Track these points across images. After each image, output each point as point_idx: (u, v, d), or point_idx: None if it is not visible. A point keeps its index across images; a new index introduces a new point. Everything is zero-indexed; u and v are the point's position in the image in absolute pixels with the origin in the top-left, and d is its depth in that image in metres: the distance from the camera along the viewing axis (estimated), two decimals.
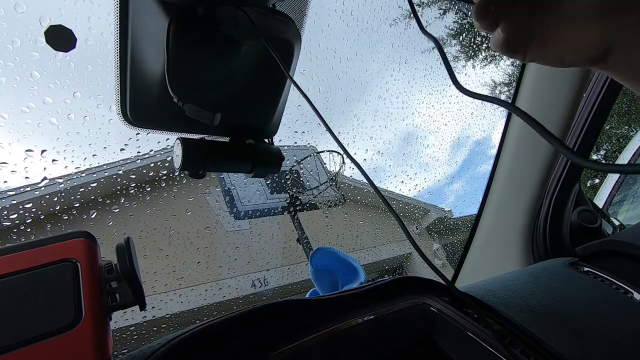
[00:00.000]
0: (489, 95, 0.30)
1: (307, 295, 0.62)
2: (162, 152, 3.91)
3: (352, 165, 0.41)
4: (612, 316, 0.46)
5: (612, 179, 1.57)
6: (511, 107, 0.27)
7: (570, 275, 0.57)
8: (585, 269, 0.58)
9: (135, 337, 3.27)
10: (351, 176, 4.96)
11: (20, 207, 3.00)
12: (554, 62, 0.29)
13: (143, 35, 0.38)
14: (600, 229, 0.79)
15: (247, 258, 4.53)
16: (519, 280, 0.53)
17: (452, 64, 0.37)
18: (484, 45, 5.32)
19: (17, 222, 3.02)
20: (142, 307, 0.32)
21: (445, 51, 0.38)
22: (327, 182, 3.91)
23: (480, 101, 0.33)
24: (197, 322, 0.34)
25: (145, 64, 0.39)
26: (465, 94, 0.33)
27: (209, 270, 4.23)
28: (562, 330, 0.41)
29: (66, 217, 3.33)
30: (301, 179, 4.08)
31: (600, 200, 1.55)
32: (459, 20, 5.17)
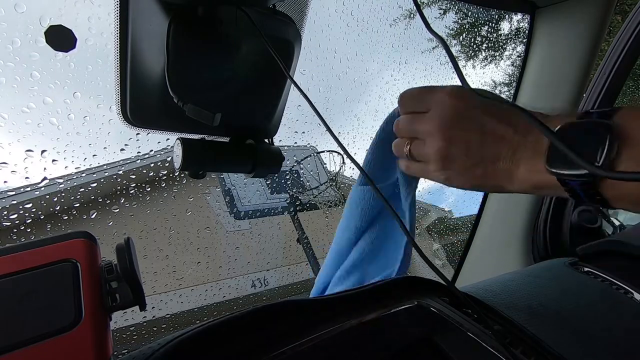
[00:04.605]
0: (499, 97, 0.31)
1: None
2: (162, 152, 3.90)
3: (352, 165, 0.41)
4: (613, 316, 0.46)
5: None
6: (526, 112, 0.27)
7: (570, 276, 0.56)
8: (586, 269, 0.58)
9: (135, 337, 3.27)
10: (351, 176, 4.96)
11: (20, 207, 3.00)
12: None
13: (143, 36, 0.38)
14: (601, 229, 0.79)
15: (247, 258, 4.52)
16: (519, 280, 0.53)
17: None
18: (484, 45, 5.32)
19: (17, 222, 3.01)
20: (142, 307, 0.32)
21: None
22: (327, 182, 3.91)
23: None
24: (197, 322, 0.34)
25: (145, 64, 0.39)
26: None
27: (209, 270, 4.23)
28: (562, 330, 0.41)
29: (66, 217, 3.33)
30: (301, 179, 4.08)
31: None
32: (459, 20, 5.17)
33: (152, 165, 3.88)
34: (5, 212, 2.91)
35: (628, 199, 0.25)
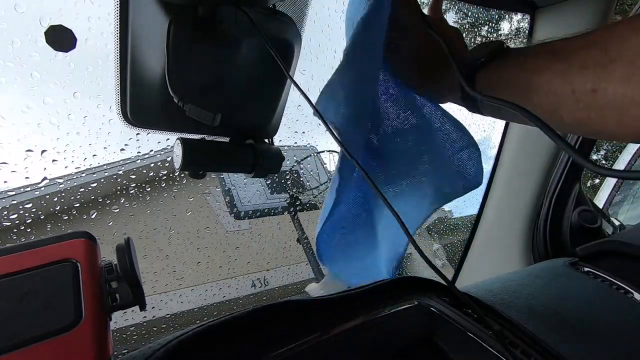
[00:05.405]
0: (501, 98, 0.31)
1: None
2: (162, 152, 3.89)
3: None
4: (613, 316, 0.46)
5: (612, 179, 1.57)
6: (528, 113, 0.27)
7: (570, 276, 0.57)
8: (586, 269, 0.58)
9: (135, 337, 3.27)
10: None
11: (20, 207, 2.99)
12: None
13: (143, 36, 0.38)
14: (601, 229, 0.79)
15: (247, 258, 4.52)
16: (519, 280, 0.53)
17: None
18: None
19: (17, 222, 3.01)
20: (142, 307, 0.32)
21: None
22: (327, 182, 3.91)
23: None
24: (197, 322, 0.34)
25: (146, 64, 0.39)
26: (478, 97, 0.33)
27: (209, 270, 4.23)
28: (562, 330, 0.41)
29: (66, 217, 3.32)
30: (301, 179, 4.08)
31: (600, 200, 1.55)
32: (459, 20, 5.17)
33: (152, 165, 3.88)
34: (5, 212, 2.90)
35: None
